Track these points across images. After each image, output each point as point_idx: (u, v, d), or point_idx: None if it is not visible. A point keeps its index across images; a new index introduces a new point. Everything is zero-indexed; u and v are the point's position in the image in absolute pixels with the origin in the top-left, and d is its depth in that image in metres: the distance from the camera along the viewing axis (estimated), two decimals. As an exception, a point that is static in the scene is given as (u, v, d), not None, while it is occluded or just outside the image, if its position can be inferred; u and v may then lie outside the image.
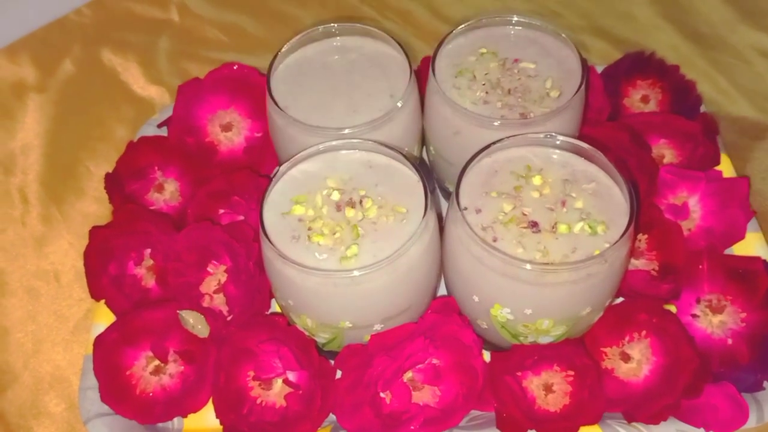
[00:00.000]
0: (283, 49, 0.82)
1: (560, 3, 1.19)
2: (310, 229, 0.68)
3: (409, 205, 0.69)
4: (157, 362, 0.75)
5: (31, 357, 0.86)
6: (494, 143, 0.71)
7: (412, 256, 0.67)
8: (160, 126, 0.94)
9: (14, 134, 1.07)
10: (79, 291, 0.90)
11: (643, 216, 0.79)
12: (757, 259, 0.78)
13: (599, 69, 0.94)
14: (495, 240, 0.67)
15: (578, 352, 0.71)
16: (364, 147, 0.73)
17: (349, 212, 0.69)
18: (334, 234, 0.68)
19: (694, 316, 0.77)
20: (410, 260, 0.67)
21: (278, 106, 0.77)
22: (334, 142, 0.73)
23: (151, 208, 0.87)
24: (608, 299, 0.71)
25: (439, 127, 0.80)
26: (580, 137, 0.78)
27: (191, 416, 0.75)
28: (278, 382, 0.73)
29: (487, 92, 0.78)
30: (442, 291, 0.78)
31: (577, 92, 0.75)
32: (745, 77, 1.08)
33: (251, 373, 0.73)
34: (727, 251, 0.82)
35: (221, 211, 0.83)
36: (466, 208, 0.69)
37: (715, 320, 0.76)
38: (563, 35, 0.81)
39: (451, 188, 0.75)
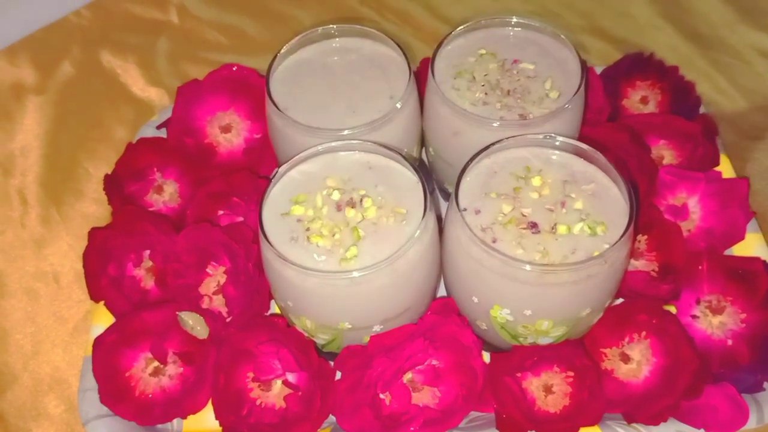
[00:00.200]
0: (283, 51, 0.82)
1: (559, 4, 1.19)
2: (308, 229, 0.68)
3: (409, 206, 0.69)
4: (156, 363, 0.75)
5: (30, 358, 0.85)
6: (493, 144, 0.71)
7: (412, 258, 0.67)
8: (159, 127, 0.94)
9: (13, 136, 1.07)
10: (79, 292, 0.90)
11: (643, 217, 0.78)
12: (756, 259, 0.78)
13: (599, 70, 0.94)
14: (494, 241, 0.67)
15: (578, 352, 0.71)
16: (364, 148, 0.73)
17: (349, 212, 0.69)
18: (333, 235, 0.67)
19: (694, 316, 0.77)
20: (410, 261, 0.67)
21: (277, 108, 0.77)
22: (333, 143, 0.73)
23: (151, 209, 0.87)
24: (608, 300, 0.71)
25: (438, 128, 0.80)
26: (579, 138, 0.78)
27: (191, 417, 0.75)
28: (278, 384, 0.73)
29: (486, 93, 0.78)
30: (442, 292, 0.78)
31: (576, 93, 0.75)
32: (744, 77, 1.08)
33: (251, 375, 0.73)
34: (727, 252, 0.82)
35: (220, 212, 0.83)
36: (465, 209, 0.69)
37: (715, 321, 0.76)
38: (562, 36, 0.81)
39: (451, 189, 0.75)
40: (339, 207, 0.70)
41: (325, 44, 0.84)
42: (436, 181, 0.89)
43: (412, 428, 0.69)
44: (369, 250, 0.67)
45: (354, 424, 0.70)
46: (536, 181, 0.70)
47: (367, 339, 0.71)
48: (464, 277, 0.70)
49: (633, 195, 0.67)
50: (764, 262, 0.78)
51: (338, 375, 0.72)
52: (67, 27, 1.19)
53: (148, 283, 0.81)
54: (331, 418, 0.72)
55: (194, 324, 0.75)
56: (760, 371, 0.73)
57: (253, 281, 0.76)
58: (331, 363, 0.73)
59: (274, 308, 0.80)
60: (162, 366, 0.75)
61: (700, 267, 0.77)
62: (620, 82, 0.94)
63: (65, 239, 0.96)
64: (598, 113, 0.89)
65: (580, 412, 0.70)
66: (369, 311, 0.69)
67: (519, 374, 0.71)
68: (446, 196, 0.89)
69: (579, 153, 0.72)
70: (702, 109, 0.93)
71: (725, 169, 0.88)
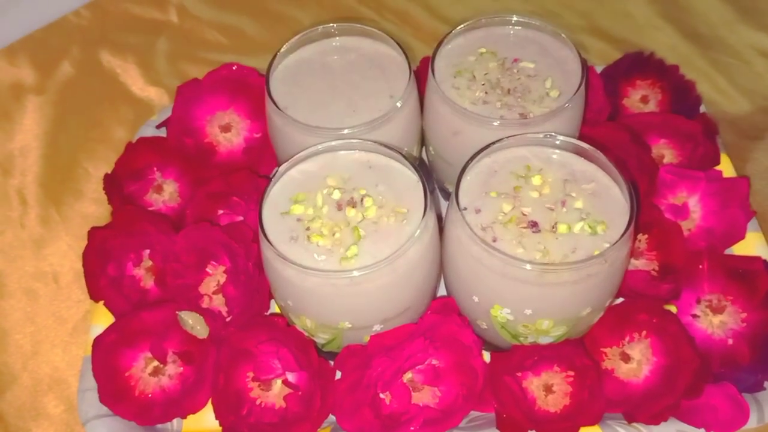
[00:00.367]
0: (282, 50, 0.82)
1: (559, 3, 1.19)
2: (308, 229, 0.68)
3: (409, 206, 0.69)
4: (156, 363, 0.75)
5: (29, 358, 0.85)
6: (494, 143, 0.71)
7: (412, 257, 0.67)
8: (158, 127, 0.94)
9: (13, 136, 1.06)
10: (78, 292, 0.90)
11: (643, 216, 0.78)
12: (757, 259, 0.78)
13: (599, 69, 0.94)
14: (495, 240, 0.67)
15: (578, 352, 0.71)
16: (364, 147, 0.73)
17: (350, 212, 0.69)
18: (333, 234, 0.67)
19: (695, 316, 0.77)
20: (410, 261, 0.66)
21: (277, 107, 0.77)
22: (333, 143, 0.73)
23: (150, 209, 0.87)
24: (608, 299, 0.71)
25: (438, 128, 0.80)
26: (579, 137, 0.77)
27: (190, 417, 0.75)
28: (277, 383, 0.72)
29: (486, 92, 0.78)
30: (442, 291, 0.78)
31: (576, 92, 0.75)
32: (744, 77, 1.08)
33: (250, 374, 0.73)
34: (727, 251, 0.82)
35: (220, 211, 0.83)
36: (465, 209, 0.69)
37: (715, 320, 0.76)
38: (563, 35, 0.81)
39: (451, 188, 0.75)
40: (339, 206, 0.69)
41: (325, 43, 0.84)
42: (436, 181, 0.89)
43: (412, 428, 0.69)
44: (369, 249, 0.67)
45: (354, 424, 0.70)
46: (536, 180, 0.70)
47: (367, 338, 0.71)
48: (464, 276, 0.70)
49: (633, 194, 0.67)
50: (765, 261, 0.78)
51: (338, 374, 0.72)
52: (66, 27, 1.19)
53: (148, 282, 0.81)
54: (331, 417, 0.72)
55: (194, 324, 0.75)
56: (761, 371, 0.73)
57: (253, 281, 0.76)
58: (331, 362, 0.73)
59: (274, 308, 0.80)
60: (162, 366, 0.75)
61: (700, 266, 0.77)
62: (620, 82, 0.94)
63: (65, 239, 0.95)
64: (598, 113, 0.89)
65: (581, 411, 0.70)
66: (369, 311, 0.69)
67: (519, 374, 0.71)
68: (446, 195, 0.89)
69: (579, 152, 0.72)
70: (702, 109, 0.93)
71: (725, 168, 0.88)
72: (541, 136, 0.72)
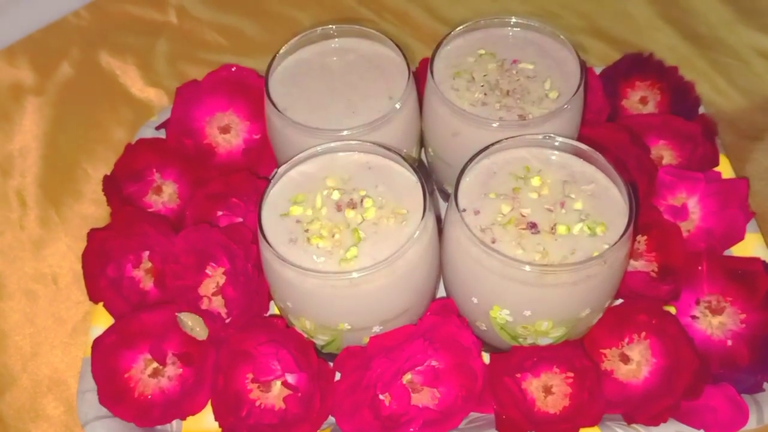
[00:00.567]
0: (281, 51, 0.82)
1: (558, 4, 1.19)
2: (307, 230, 0.68)
3: (409, 207, 0.69)
4: (155, 365, 0.75)
5: (29, 360, 0.85)
6: (493, 144, 0.71)
7: (411, 258, 0.67)
8: (158, 128, 0.94)
9: (12, 137, 1.06)
10: (77, 293, 0.90)
11: (643, 217, 0.78)
12: (756, 260, 0.78)
13: (598, 70, 0.94)
14: (494, 241, 0.67)
15: (578, 353, 0.71)
16: (363, 148, 0.73)
17: (349, 213, 0.69)
18: (333, 236, 0.67)
19: (694, 317, 0.77)
20: (409, 262, 0.66)
21: (276, 108, 0.77)
22: (332, 144, 0.73)
23: (150, 210, 0.87)
24: (608, 300, 0.71)
25: (437, 129, 0.80)
26: (578, 138, 0.78)
27: (190, 419, 0.75)
28: (277, 385, 0.72)
29: (485, 93, 0.78)
30: (441, 293, 0.78)
31: (575, 93, 0.75)
32: (743, 78, 1.08)
33: (250, 376, 0.73)
34: (727, 252, 0.82)
35: (219, 213, 0.83)
36: (464, 210, 0.69)
37: (714, 321, 0.76)
38: (562, 36, 0.81)
39: (450, 190, 0.75)
40: (339, 207, 0.69)
41: (324, 45, 0.84)
42: (435, 182, 0.89)
43: (411, 429, 0.69)
44: (369, 251, 0.67)
45: (353, 425, 0.70)
46: (535, 182, 0.70)
47: (366, 340, 0.71)
48: (464, 277, 0.70)
49: (632, 195, 0.67)
50: (764, 262, 0.78)
51: (338, 376, 0.72)
52: (66, 28, 1.19)
53: (147, 284, 0.81)
54: (331, 419, 0.72)
55: (193, 325, 0.75)
56: (760, 372, 0.73)
57: (252, 282, 0.75)
58: (331, 364, 0.73)
59: (274, 309, 0.80)
60: (161, 367, 0.75)
61: (699, 267, 0.77)
62: (619, 83, 0.94)
63: (64, 240, 0.95)
64: (598, 114, 0.89)
65: (580, 412, 0.70)
66: (368, 312, 0.69)
67: (519, 375, 0.71)
68: (446, 196, 0.89)
69: (578, 153, 0.72)
70: (701, 110, 0.93)
71: (725, 169, 0.88)
72: (540, 137, 0.72)
